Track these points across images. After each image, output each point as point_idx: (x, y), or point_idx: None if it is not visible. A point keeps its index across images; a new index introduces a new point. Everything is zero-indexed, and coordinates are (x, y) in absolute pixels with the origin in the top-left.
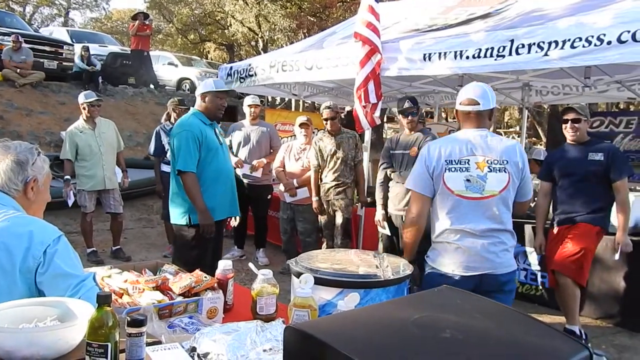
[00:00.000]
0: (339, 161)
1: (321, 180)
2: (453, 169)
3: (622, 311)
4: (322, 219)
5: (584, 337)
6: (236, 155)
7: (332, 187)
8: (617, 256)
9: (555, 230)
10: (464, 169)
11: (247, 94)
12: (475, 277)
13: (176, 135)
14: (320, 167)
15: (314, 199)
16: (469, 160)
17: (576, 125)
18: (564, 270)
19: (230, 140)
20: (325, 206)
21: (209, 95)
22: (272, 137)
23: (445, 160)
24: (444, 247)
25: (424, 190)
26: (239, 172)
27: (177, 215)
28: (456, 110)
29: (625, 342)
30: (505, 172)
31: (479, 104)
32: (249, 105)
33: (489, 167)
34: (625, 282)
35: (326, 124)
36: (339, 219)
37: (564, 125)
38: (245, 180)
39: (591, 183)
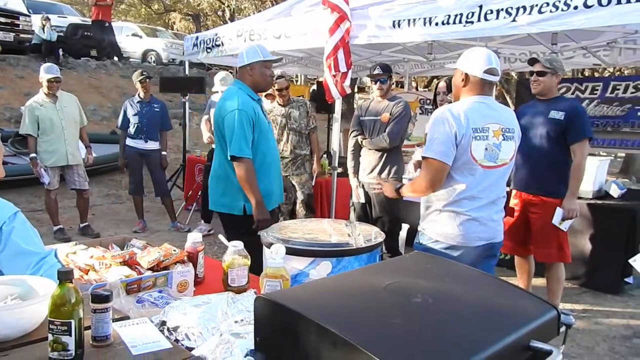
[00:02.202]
0: (291, 133)
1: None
2: (478, 137)
3: (586, 272)
4: None
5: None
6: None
7: (290, 161)
8: (564, 226)
9: (514, 193)
10: (485, 137)
11: (215, 65)
12: (479, 247)
13: (227, 114)
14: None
15: None
16: (488, 128)
17: (540, 78)
18: (548, 259)
19: (209, 116)
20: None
21: (256, 66)
22: None
23: (472, 128)
24: (451, 217)
25: (448, 158)
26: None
27: (230, 205)
28: (467, 75)
29: (589, 301)
30: (512, 140)
31: (498, 75)
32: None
33: (503, 136)
34: (590, 244)
35: (279, 94)
36: (300, 196)
37: (530, 78)
38: None
39: (550, 143)
